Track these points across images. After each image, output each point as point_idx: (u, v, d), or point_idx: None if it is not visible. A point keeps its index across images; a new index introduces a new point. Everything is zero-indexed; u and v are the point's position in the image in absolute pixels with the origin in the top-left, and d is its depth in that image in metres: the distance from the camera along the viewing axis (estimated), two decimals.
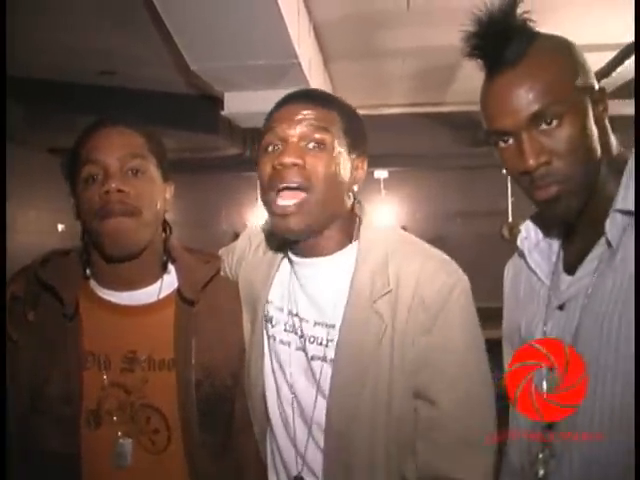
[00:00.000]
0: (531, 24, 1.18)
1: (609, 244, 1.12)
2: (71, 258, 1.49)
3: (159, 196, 1.44)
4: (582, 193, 1.16)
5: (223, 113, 3.93)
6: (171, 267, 1.50)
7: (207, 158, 6.35)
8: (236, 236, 1.71)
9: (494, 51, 1.17)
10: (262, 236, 1.57)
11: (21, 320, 1.39)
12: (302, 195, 1.32)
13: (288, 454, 1.41)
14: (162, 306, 1.45)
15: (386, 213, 6.70)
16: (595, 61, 3.61)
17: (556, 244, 1.30)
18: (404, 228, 1.61)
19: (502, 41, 1.15)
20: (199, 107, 4.92)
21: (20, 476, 1.37)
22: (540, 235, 1.32)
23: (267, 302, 1.46)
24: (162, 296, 1.46)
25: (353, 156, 1.40)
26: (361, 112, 1.50)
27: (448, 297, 1.30)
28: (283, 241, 1.46)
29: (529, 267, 1.31)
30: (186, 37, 2.93)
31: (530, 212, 1.33)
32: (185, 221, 6.22)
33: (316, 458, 1.36)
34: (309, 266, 1.41)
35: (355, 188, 1.42)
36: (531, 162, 1.14)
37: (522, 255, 1.33)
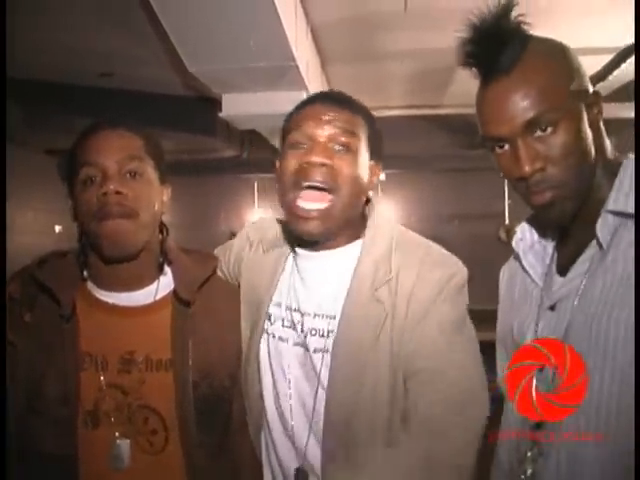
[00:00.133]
0: (525, 27, 1.17)
1: (600, 245, 1.13)
2: (68, 259, 1.49)
3: (156, 198, 1.45)
4: (577, 197, 1.17)
5: (221, 115, 3.94)
6: (167, 268, 1.51)
7: (205, 160, 6.35)
8: (233, 237, 1.71)
9: (488, 58, 1.17)
10: (261, 234, 1.57)
11: (18, 321, 1.39)
12: (327, 197, 1.34)
13: (285, 451, 1.42)
14: (159, 307, 1.45)
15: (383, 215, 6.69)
16: (591, 64, 3.64)
17: (550, 246, 1.31)
18: None
19: (496, 48, 1.15)
20: (197, 109, 4.93)
21: (18, 477, 1.37)
22: (535, 237, 1.33)
23: (271, 302, 1.47)
24: (159, 297, 1.46)
25: (372, 162, 1.42)
26: None
27: (446, 285, 1.33)
28: (288, 238, 1.48)
29: (524, 269, 1.32)
30: (184, 39, 2.93)
31: (527, 214, 1.34)
32: (183, 223, 6.22)
33: (316, 452, 1.36)
34: (314, 259, 1.42)
35: (370, 194, 1.45)
36: (526, 169, 1.14)
37: (517, 257, 1.34)
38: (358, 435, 1.31)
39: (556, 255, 1.30)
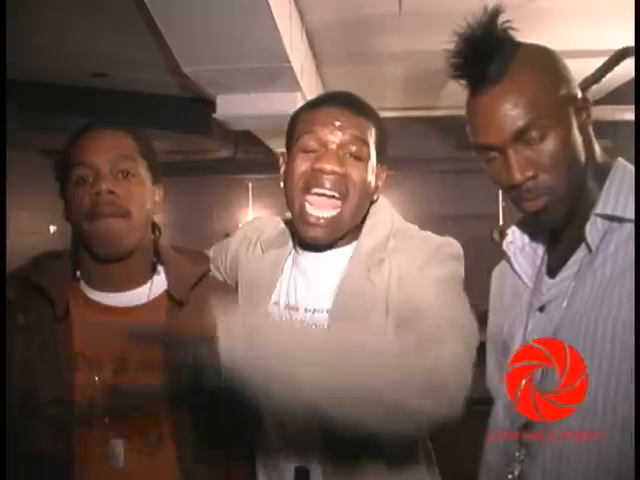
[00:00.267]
0: (513, 33, 1.17)
1: (589, 248, 1.14)
2: (62, 260, 1.49)
3: (149, 198, 1.45)
4: (568, 202, 1.18)
5: (215, 116, 3.93)
6: (160, 268, 1.51)
7: (199, 160, 6.35)
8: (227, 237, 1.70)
9: (476, 70, 1.16)
10: (259, 233, 1.57)
11: (11, 322, 1.39)
12: (336, 204, 1.35)
13: (280, 448, 1.41)
14: (152, 307, 1.45)
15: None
16: (582, 68, 3.65)
17: (541, 248, 1.32)
18: None
19: (484, 59, 1.14)
20: (191, 110, 4.91)
21: (12, 478, 1.37)
22: (526, 239, 1.33)
23: (270, 301, 1.47)
24: (152, 297, 1.46)
25: (378, 166, 1.44)
26: None
27: (435, 254, 1.35)
28: (290, 238, 1.49)
29: (514, 271, 1.33)
30: (179, 40, 2.93)
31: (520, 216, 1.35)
32: (177, 223, 6.22)
33: (314, 448, 1.35)
34: (316, 259, 1.43)
35: (375, 197, 1.47)
36: (518, 177, 1.15)
37: (508, 259, 1.35)
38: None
39: (546, 257, 1.30)
